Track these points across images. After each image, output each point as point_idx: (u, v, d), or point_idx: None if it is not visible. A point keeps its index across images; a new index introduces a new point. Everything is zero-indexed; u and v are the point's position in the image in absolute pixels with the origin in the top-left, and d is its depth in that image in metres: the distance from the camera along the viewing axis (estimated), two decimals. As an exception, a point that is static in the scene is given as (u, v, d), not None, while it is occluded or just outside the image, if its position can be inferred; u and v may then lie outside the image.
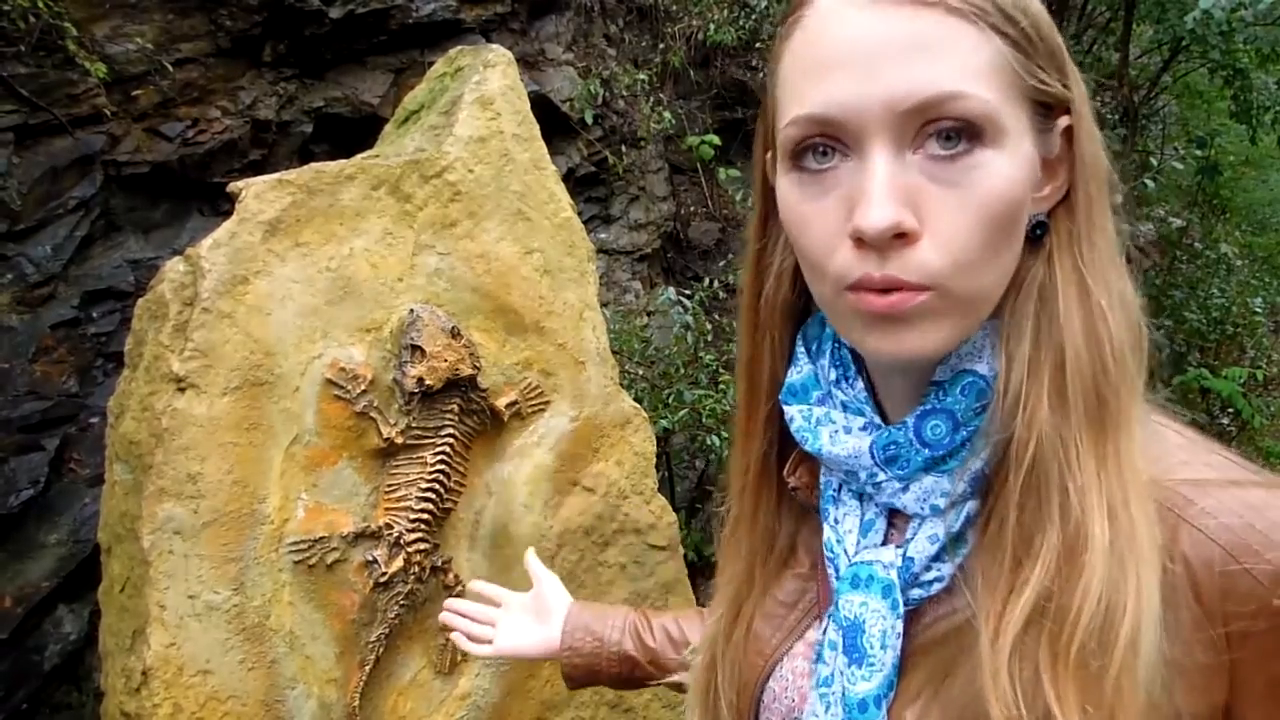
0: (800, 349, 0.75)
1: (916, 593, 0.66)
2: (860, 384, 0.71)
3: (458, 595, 1.79)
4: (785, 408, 0.74)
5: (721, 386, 3.40)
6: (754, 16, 5.02)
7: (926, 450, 0.65)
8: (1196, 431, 0.67)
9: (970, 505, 0.64)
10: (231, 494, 1.58)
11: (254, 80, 3.47)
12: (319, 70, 3.63)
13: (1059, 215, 0.65)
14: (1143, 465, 0.61)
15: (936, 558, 0.65)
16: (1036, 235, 0.65)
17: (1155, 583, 0.57)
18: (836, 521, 0.72)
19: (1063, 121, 0.64)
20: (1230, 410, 4.63)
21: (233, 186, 1.71)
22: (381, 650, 1.70)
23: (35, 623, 2.63)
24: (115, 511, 1.66)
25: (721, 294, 3.92)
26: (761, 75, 5.09)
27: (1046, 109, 0.63)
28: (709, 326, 3.63)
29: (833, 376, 0.72)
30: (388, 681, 1.73)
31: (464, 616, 1.29)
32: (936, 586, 0.66)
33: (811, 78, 0.61)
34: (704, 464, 3.83)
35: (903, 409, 0.69)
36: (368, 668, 1.68)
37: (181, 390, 1.56)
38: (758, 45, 5.07)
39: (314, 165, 1.76)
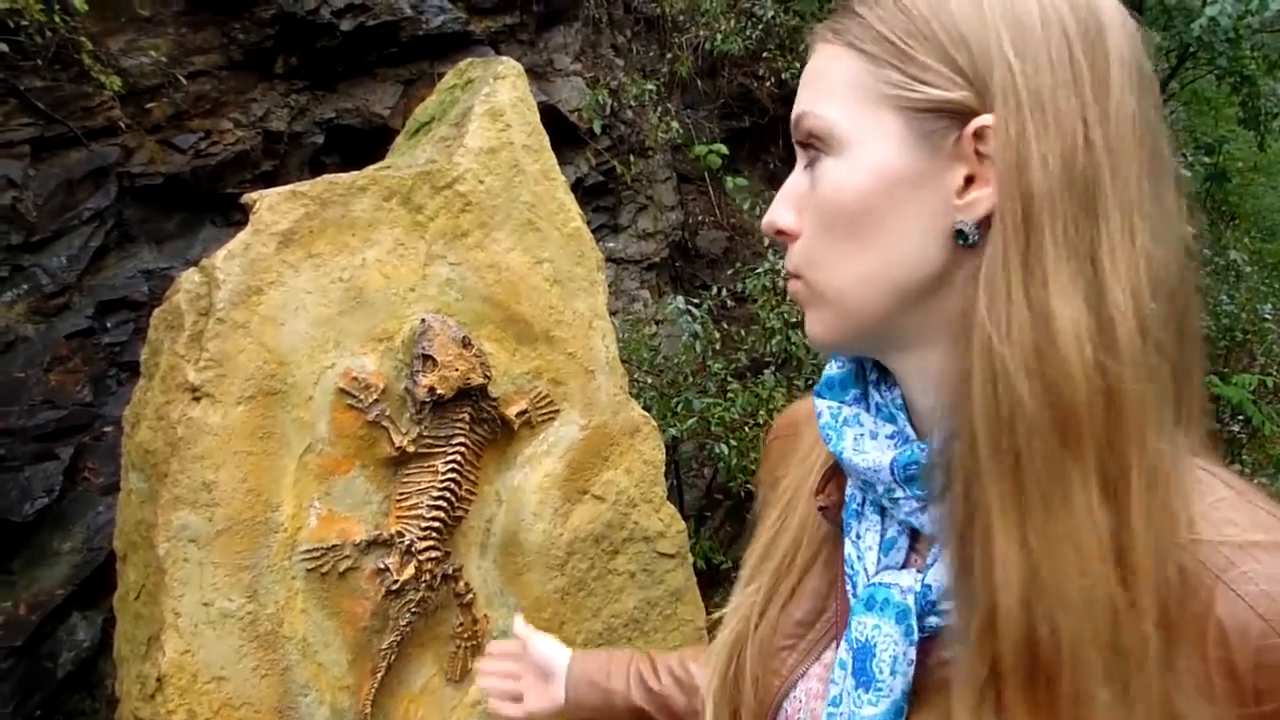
0: None
1: (933, 620, 0.64)
2: (896, 390, 0.69)
3: (468, 603, 1.80)
4: (816, 401, 0.72)
5: (730, 395, 3.41)
6: (761, 26, 5.04)
7: None
8: (1246, 482, 0.63)
9: None
10: (245, 502, 1.60)
11: (266, 92, 3.50)
12: (330, 82, 3.67)
13: (993, 226, 0.59)
14: (1138, 511, 0.56)
15: None
16: (961, 244, 0.60)
17: (1093, 632, 0.55)
18: (858, 537, 0.70)
19: (971, 125, 0.59)
20: (1241, 417, 4.61)
21: (247, 198, 1.73)
22: (393, 657, 1.71)
23: (49, 630, 2.65)
24: (131, 519, 1.68)
25: (729, 302, 3.93)
26: (768, 85, 5.11)
27: (943, 113, 0.60)
28: (717, 335, 3.64)
29: (874, 376, 0.71)
30: (399, 688, 1.74)
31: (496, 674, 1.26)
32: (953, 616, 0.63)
33: None
34: (712, 472, 3.84)
35: (926, 424, 0.67)
36: (379, 675, 1.70)
37: (196, 399, 1.58)
38: (764, 55, 5.09)
39: (327, 177, 1.78)
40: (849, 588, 0.69)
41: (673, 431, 3.21)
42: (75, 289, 2.93)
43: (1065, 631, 0.55)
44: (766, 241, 4.51)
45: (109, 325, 2.99)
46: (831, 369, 0.73)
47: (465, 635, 1.80)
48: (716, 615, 0.82)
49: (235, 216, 3.20)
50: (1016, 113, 0.58)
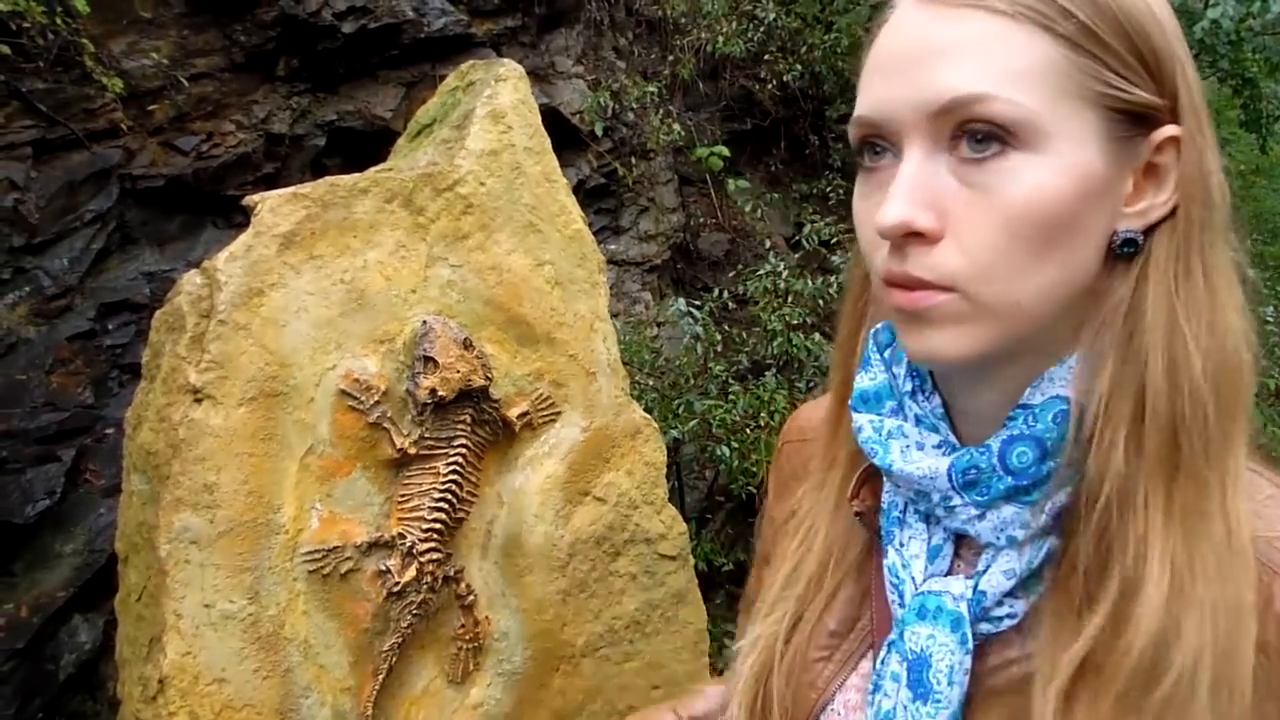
0: (873, 353, 0.71)
1: (985, 627, 0.62)
2: (937, 399, 0.67)
3: (470, 605, 1.80)
4: (854, 415, 0.69)
5: (731, 397, 3.41)
6: (762, 29, 5.05)
7: (1010, 478, 0.61)
8: None
9: (1051, 542, 0.61)
10: (247, 504, 1.60)
11: (267, 94, 3.51)
12: (332, 84, 3.68)
13: (1160, 235, 0.60)
14: (1241, 514, 0.57)
15: (1011, 593, 0.62)
16: (1126, 253, 0.60)
17: (1234, 647, 0.54)
18: (902, 545, 0.68)
19: (1161, 132, 0.59)
20: (1243, 420, 4.60)
21: (248, 200, 1.73)
22: (395, 659, 1.71)
23: (51, 632, 2.66)
24: (132, 521, 1.68)
25: (731, 305, 3.93)
26: (770, 87, 5.12)
27: (1136, 118, 0.58)
28: (719, 337, 3.64)
29: (908, 387, 0.68)
30: (401, 690, 1.74)
31: None
32: (1007, 624, 0.62)
33: (866, 81, 0.62)
34: (714, 474, 3.84)
35: (980, 430, 0.64)
36: (381, 677, 1.69)
37: (198, 401, 1.58)
38: (766, 57, 5.09)
39: (328, 179, 1.78)
40: (894, 597, 0.67)
41: (674, 433, 3.21)
42: (77, 291, 2.94)
43: (1190, 639, 0.55)
44: (768, 244, 4.52)
45: (110, 327, 3.00)
46: (863, 382, 0.70)
47: (467, 637, 1.80)
48: (734, 646, 0.79)
49: (237, 218, 3.21)
50: (1196, 123, 0.59)
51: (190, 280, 1.67)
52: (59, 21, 2.81)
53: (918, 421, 0.67)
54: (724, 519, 4.09)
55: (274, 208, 1.68)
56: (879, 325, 0.72)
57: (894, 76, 0.59)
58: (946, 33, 0.57)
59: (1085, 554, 0.58)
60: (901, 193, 0.57)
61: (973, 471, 0.62)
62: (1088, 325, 0.60)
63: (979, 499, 0.62)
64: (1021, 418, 0.61)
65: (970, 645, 0.62)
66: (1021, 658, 0.61)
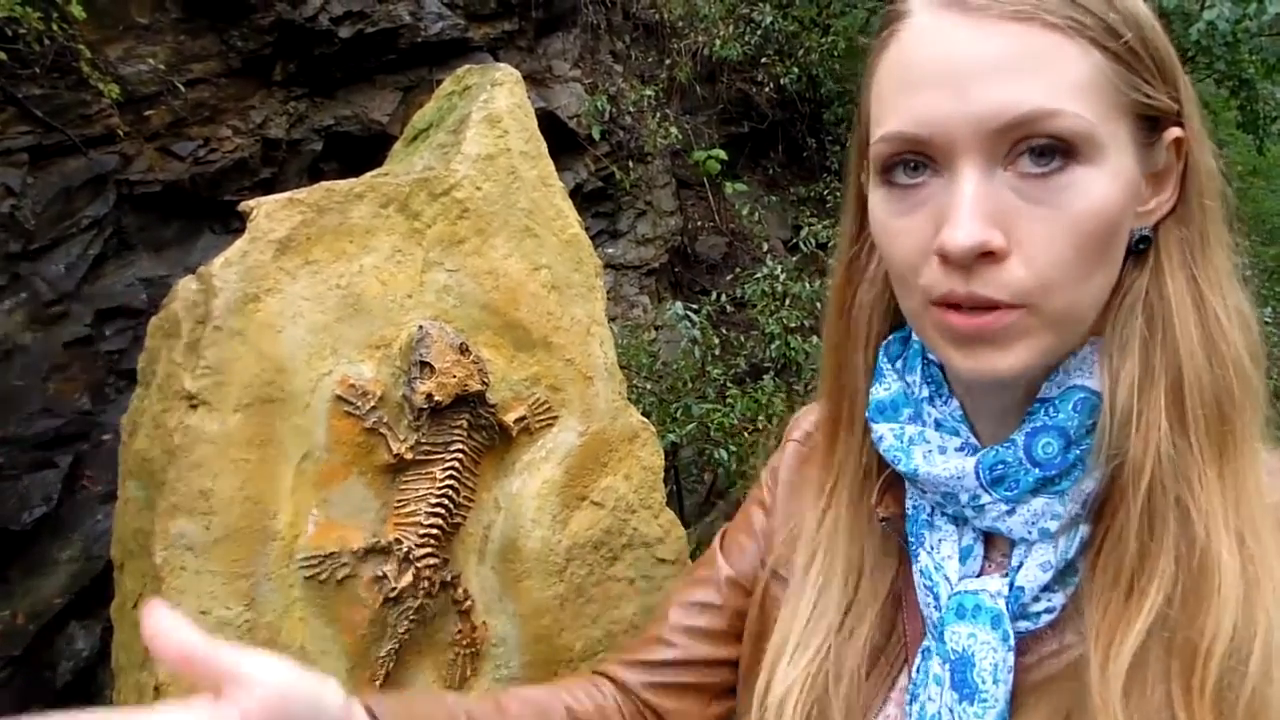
0: (885, 365, 0.72)
1: (1023, 625, 0.62)
2: (955, 403, 0.68)
3: (467, 610, 1.79)
4: (874, 426, 0.70)
5: (729, 400, 3.41)
6: (759, 32, 5.05)
7: (1038, 470, 0.62)
8: None
9: (1083, 530, 0.61)
10: (243, 510, 1.60)
11: (264, 99, 3.51)
12: (329, 89, 3.68)
13: (1168, 228, 0.63)
14: (1268, 488, 0.59)
15: (1048, 587, 0.62)
16: (1140, 249, 0.63)
17: None
18: (933, 548, 0.67)
19: (1171, 133, 0.62)
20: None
21: (244, 205, 1.73)
22: (392, 665, 1.71)
23: (48, 639, 2.65)
24: (128, 528, 1.67)
25: (728, 308, 3.93)
26: (767, 90, 5.12)
27: (1152, 122, 0.61)
28: (716, 340, 3.64)
29: (924, 394, 0.69)
30: (398, 697, 1.74)
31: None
32: (1045, 619, 0.62)
33: (903, 94, 0.60)
34: (712, 478, 3.84)
35: (998, 427, 0.66)
36: (378, 683, 1.69)
37: (194, 407, 1.58)
38: (763, 60, 5.10)
39: (324, 184, 1.78)
40: (929, 599, 0.67)
41: (672, 437, 3.21)
42: (74, 297, 2.94)
43: (1268, 608, 0.56)
44: (765, 247, 4.52)
45: (107, 333, 2.99)
46: (878, 393, 0.70)
47: (464, 643, 1.79)
48: (764, 682, 0.73)
49: (234, 224, 3.21)
50: (1195, 122, 0.62)
51: (186, 286, 1.66)
52: (55, 27, 2.81)
53: (938, 426, 0.67)
54: (722, 522, 4.08)
55: (270, 213, 1.68)
56: (888, 340, 0.72)
57: (943, 91, 0.57)
58: (999, 46, 0.56)
59: (1130, 535, 0.58)
60: (968, 213, 0.56)
61: (1000, 467, 0.62)
62: (1108, 319, 0.62)
63: (1008, 494, 0.62)
64: (1041, 410, 0.62)
65: (1012, 641, 0.62)
66: (1061, 649, 0.62)
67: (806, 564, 0.75)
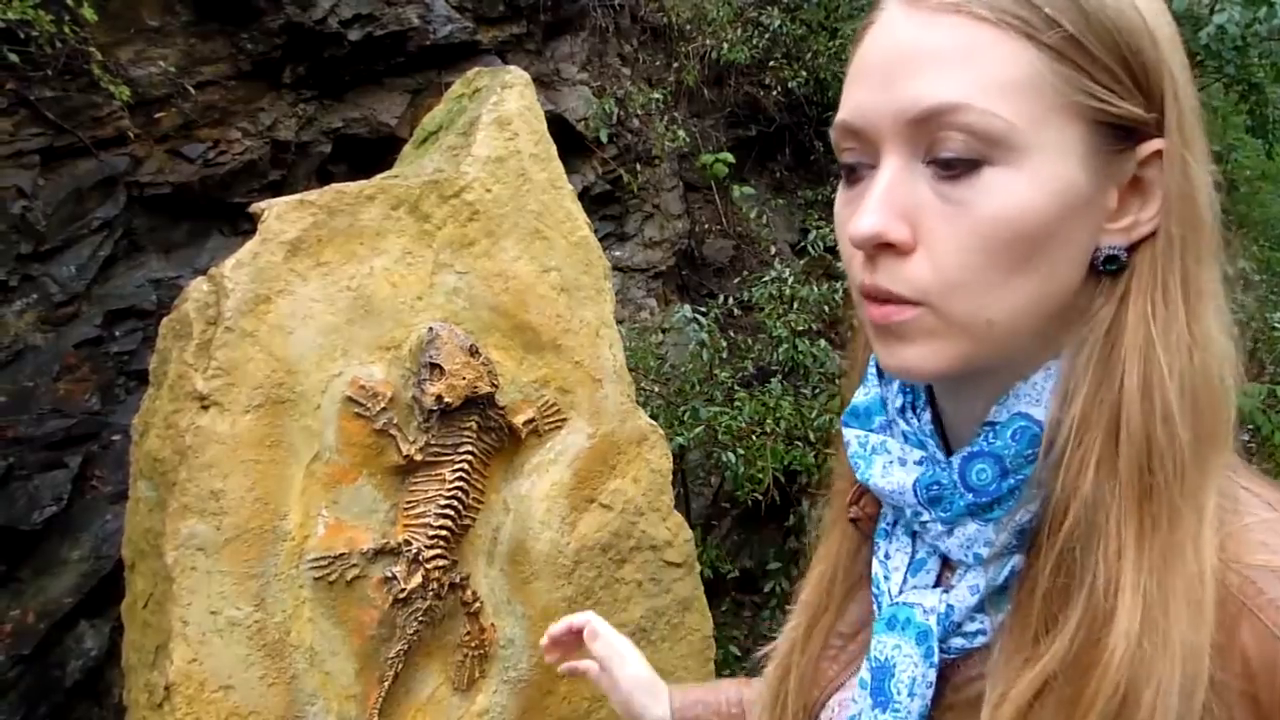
0: (871, 370, 0.71)
1: (959, 642, 0.62)
2: (928, 415, 0.66)
3: (475, 612, 1.79)
4: (844, 430, 0.70)
5: (737, 404, 3.41)
6: (767, 35, 5.05)
7: (970, 495, 0.60)
8: None
9: (1016, 559, 0.59)
10: (253, 511, 1.60)
11: (274, 102, 3.52)
12: (338, 92, 3.68)
13: (1142, 252, 0.58)
14: (1207, 547, 0.54)
15: (980, 609, 0.61)
16: (1110, 269, 0.58)
17: (1196, 689, 0.52)
18: (886, 556, 0.68)
19: (1146, 147, 0.57)
20: (1250, 426, 4.58)
21: (255, 207, 1.74)
22: (400, 666, 1.71)
23: (57, 638, 2.66)
24: (139, 528, 1.68)
25: (736, 311, 3.93)
26: (775, 94, 5.12)
27: (1121, 131, 0.57)
28: (724, 343, 3.64)
29: (899, 404, 0.68)
30: (406, 698, 1.74)
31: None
32: (980, 639, 0.61)
33: (850, 85, 0.60)
34: (719, 481, 3.83)
35: (964, 444, 0.64)
36: (386, 684, 1.69)
37: (205, 408, 1.58)
38: (771, 64, 5.10)
39: (335, 186, 1.78)
40: (875, 608, 0.68)
41: (680, 440, 3.21)
42: (84, 298, 2.95)
43: (1160, 677, 0.52)
44: (773, 250, 4.52)
45: (117, 334, 3.00)
46: (859, 397, 0.70)
47: (472, 644, 1.79)
48: (762, 652, 0.81)
49: (243, 226, 3.22)
50: (1182, 136, 0.57)
51: (197, 287, 1.67)
52: (67, 30, 2.82)
53: (905, 438, 0.66)
54: (730, 526, 4.08)
55: (281, 214, 1.69)
56: None
57: (875, 82, 0.58)
58: (930, 39, 0.55)
59: (1046, 576, 0.56)
60: (875, 203, 0.56)
61: (935, 487, 0.62)
62: (1067, 342, 0.59)
63: (943, 515, 0.62)
64: (984, 435, 0.61)
65: (935, 659, 0.61)
66: (981, 676, 0.60)
67: (824, 539, 0.78)
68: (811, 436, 3.27)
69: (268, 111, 3.49)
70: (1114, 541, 0.54)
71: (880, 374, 0.70)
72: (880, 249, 0.56)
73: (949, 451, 0.65)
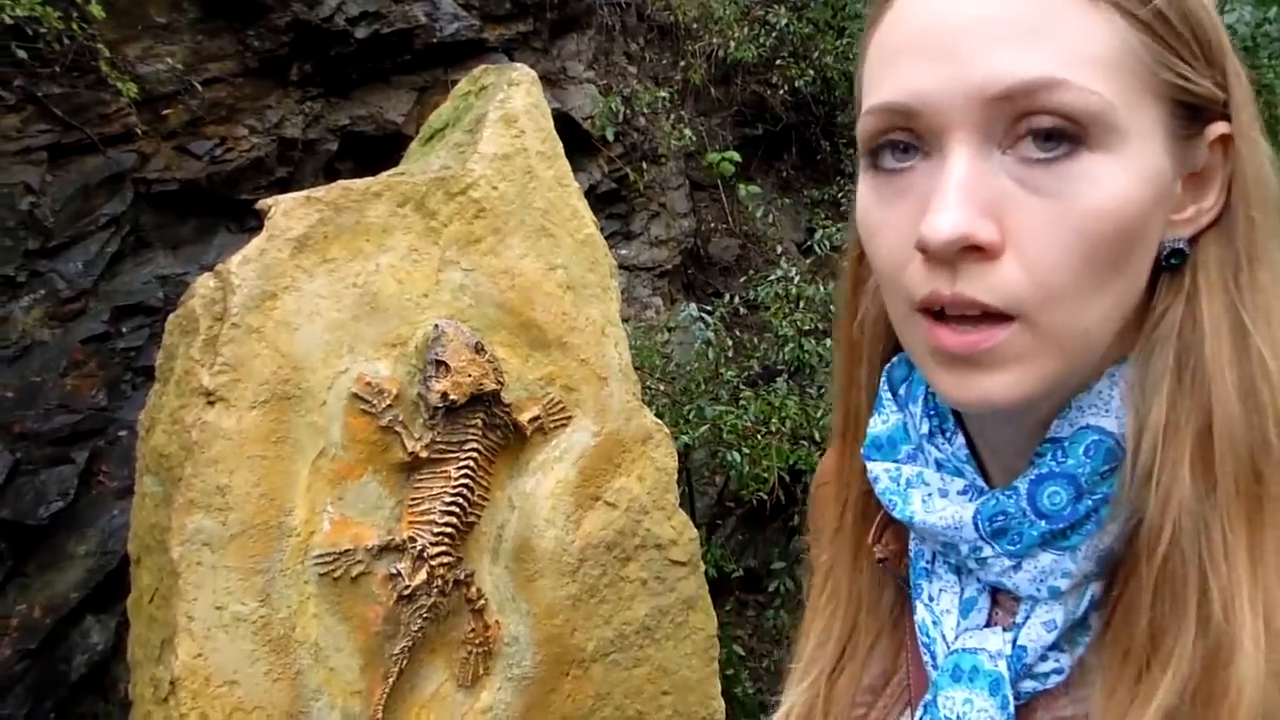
0: (885, 393, 0.63)
1: (1030, 685, 0.55)
2: (960, 439, 0.59)
3: (480, 609, 1.80)
4: (869, 464, 0.62)
5: (743, 403, 3.41)
6: (774, 34, 5.05)
7: (1043, 522, 0.53)
8: None
9: (1095, 587, 0.53)
10: (259, 506, 1.60)
11: (281, 99, 3.53)
12: (344, 89, 3.69)
13: (1207, 242, 0.53)
14: None
15: (1054, 646, 0.54)
16: (1172, 265, 0.53)
17: None
18: (931, 599, 0.60)
19: (1216, 129, 0.52)
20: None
21: (262, 203, 1.74)
22: (405, 663, 1.71)
23: (63, 633, 2.67)
24: (145, 523, 1.68)
25: (742, 310, 3.93)
26: (782, 92, 5.11)
27: (1192, 111, 0.52)
28: (729, 342, 3.64)
29: (925, 429, 0.60)
30: (411, 694, 1.74)
31: None
32: (1055, 679, 0.54)
33: (891, 64, 0.52)
34: (724, 480, 3.83)
35: (1009, 468, 0.57)
36: (391, 680, 1.69)
37: (211, 404, 1.59)
38: (778, 62, 5.09)
39: (341, 183, 1.79)
40: (927, 657, 0.60)
41: (684, 439, 3.21)
42: (91, 294, 2.96)
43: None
44: (779, 249, 4.51)
45: (124, 330, 3.01)
46: (875, 427, 0.63)
47: (477, 641, 1.79)
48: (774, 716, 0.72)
49: (250, 222, 3.22)
50: (1247, 117, 0.53)
51: (204, 283, 1.67)
52: (75, 27, 2.83)
53: (939, 466, 0.59)
54: (734, 525, 4.08)
55: (287, 211, 1.69)
56: (893, 361, 0.64)
57: (935, 57, 0.49)
58: (1001, 6, 0.48)
59: (1144, 603, 0.50)
60: (954, 198, 0.47)
61: (1001, 518, 0.54)
62: (1135, 347, 0.53)
63: (1011, 548, 0.54)
64: (1050, 453, 0.54)
65: (1012, 709, 0.54)
66: (1074, 717, 0.54)
67: (820, 588, 0.70)
68: (817, 436, 3.27)
69: (275, 109, 3.50)
70: (1222, 558, 0.49)
71: (897, 397, 0.63)
72: (962, 253, 0.48)
73: (985, 477, 0.59)
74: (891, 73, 0.52)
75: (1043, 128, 0.47)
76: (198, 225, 3.32)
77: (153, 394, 1.76)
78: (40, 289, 2.85)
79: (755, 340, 3.82)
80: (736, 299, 3.97)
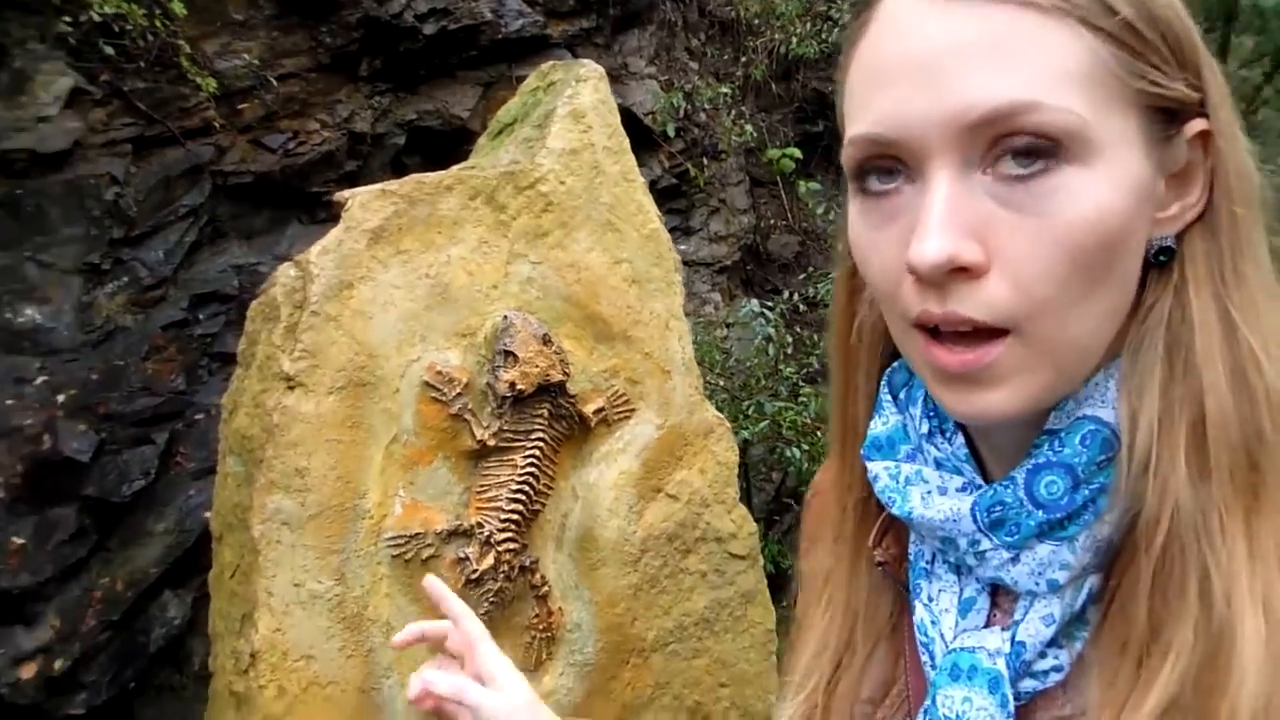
0: (885, 396, 0.65)
1: (1029, 684, 0.55)
2: (960, 439, 0.60)
3: (544, 595, 1.83)
4: (868, 464, 0.63)
5: (802, 400, 3.40)
6: (836, 29, 5.01)
7: (1041, 512, 0.54)
8: None
9: (1092, 580, 0.54)
10: (335, 489, 1.66)
11: (351, 94, 3.61)
12: (412, 84, 3.77)
13: (1193, 237, 0.54)
14: None
15: (1053, 642, 0.55)
16: (1161, 262, 0.54)
17: None
18: (930, 599, 0.61)
19: (1193, 126, 0.53)
20: None
21: (338, 196, 1.80)
22: (470, 645, 1.75)
23: (143, 606, 2.78)
24: (228, 502, 1.75)
25: (801, 307, 3.92)
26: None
27: (1168, 114, 0.53)
28: (789, 339, 3.63)
29: (925, 429, 0.61)
30: (475, 676, 1.78)
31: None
32: (1054, 677, 0.55)
33: (871, 90, 0.54)
34: (782, 476, 3.83)
35: (1009, 465, 0.57)
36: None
37: (291, 389, 1.65)
38: (839, 58, 5.06)
39: (415, 176, 1.83)
40: (925, 657, 0.61)
41: (744, 434, 3.22)
42: (171, 282, 3.07)
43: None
44: (840, 246, 4.49)
45: (201, 317, 3.12)
46: (875, 428, 0.64)
47: (540, 626, 1.83)
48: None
49: (320, 214, 3.32)
50: (1225, 113, 0.54)
51: (285, 272, 1.73)
52: (158, 24, 2.93)
53: (938, 465, 0.60)
54: (792, 521, 4.07)
55: (364, 204, 1.74)
56: (894, 366, 0.66)
57: (912, 85, 0.51)
58: (975, 31, 0.49)
59: (1143, 594, 0.51)
60: (937, 223, 0.49)
61: (998, 508, 0.55)
62: (1125, 343, 0.54)
63: (1009, 539, 0.55)
64: (1047, 444, 0.55)
65: (1011, 708, 0.55)
66: (1071, 715, 0.55)
67: (818, 596, 0.70)
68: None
69: (345, 103, 3.59)
70: (1221, 547, 0.50)
71: (897, 400, 0.64)
72: (951, 274, 0.50)
73: (986, 476, 0.60)
74: (872, 100, 0.53)
75: (1019, 146, 0.49)
76: (271, 216, 3.41)
77: (235, 378, 1.83)
78: (124, 276, 2.97)
79: (815, 337, 3.81)
80: (796, 295, 3.96)
